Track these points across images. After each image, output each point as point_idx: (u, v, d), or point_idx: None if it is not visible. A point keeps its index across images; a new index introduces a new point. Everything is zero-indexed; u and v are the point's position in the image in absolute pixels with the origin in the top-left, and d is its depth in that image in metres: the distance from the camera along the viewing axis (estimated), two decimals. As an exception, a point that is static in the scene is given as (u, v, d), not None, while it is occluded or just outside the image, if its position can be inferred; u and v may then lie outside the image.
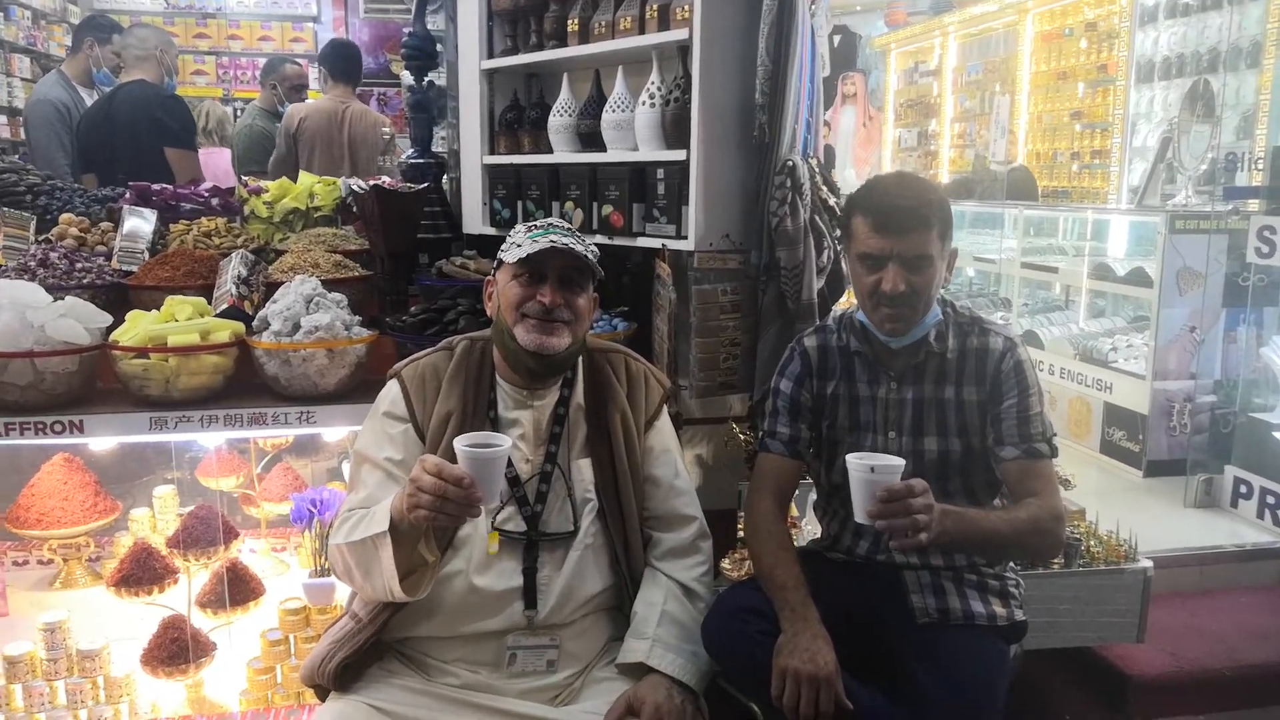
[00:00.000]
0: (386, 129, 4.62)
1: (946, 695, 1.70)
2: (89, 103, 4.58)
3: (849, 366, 1.96)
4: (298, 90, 5.43)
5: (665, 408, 2.00)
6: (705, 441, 2.52)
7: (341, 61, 4.61)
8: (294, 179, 3.13)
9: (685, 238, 2.22)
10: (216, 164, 5.05)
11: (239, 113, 8.04)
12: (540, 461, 1.86)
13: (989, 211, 6.38)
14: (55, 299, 2.18)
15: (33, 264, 2.37)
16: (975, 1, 8.32)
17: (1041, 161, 7.32)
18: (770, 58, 2.15)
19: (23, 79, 8.23)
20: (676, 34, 2.21)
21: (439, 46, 2.96)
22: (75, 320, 2.15)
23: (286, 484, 3.01)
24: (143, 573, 2.48)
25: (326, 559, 2.44)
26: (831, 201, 2.45)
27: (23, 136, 7.93)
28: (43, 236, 2.59)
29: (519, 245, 1.80)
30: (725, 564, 2.28)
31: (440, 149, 3.08)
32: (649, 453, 1.94)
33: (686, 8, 2.18)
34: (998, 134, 6.60)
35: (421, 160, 2.92)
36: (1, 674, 2.31)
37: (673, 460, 1.97)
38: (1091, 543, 2.35)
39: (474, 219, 2.85)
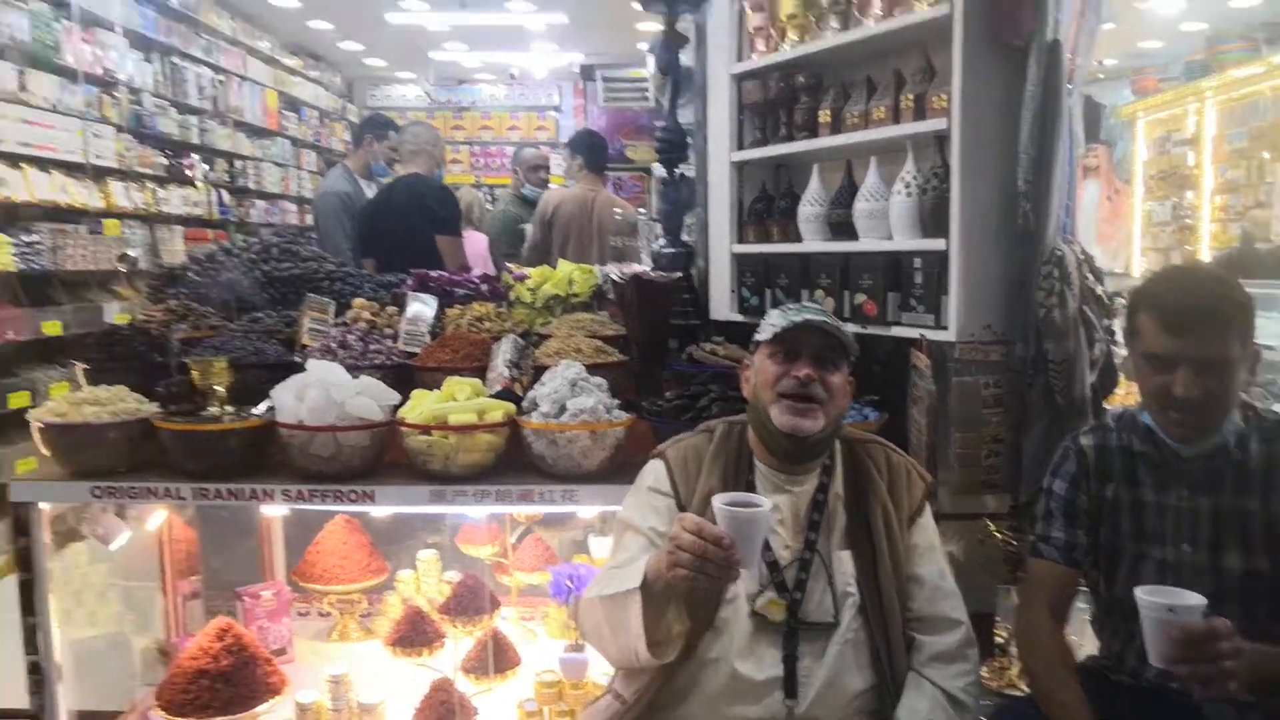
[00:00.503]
0: (619, 211, 4.84)
1: None
2: (368, 193, 5.10)
3: (1132, 469, 1.84)
4: (535, 170, 5.77)
5: (928, 504, 1.95)
6: (957, 538, 2.42)
7: (592, 151, 4.89)
8: (550, 264, 3.33)
9: (945, 328, 2.19)
10: (471, 247, 5.48)
11: (491, 197, 8.72)
12: (800, 548, 1.84)
13: (1266, 292, 5.82)
14: (353, 378, 2.43)
15: (334, 345, 2.65)
16: (1236, 64, 7.74)
17: (1325, 235, 6.63)
18: (1034, 145, 2.10)
19: (309, 171, 9.31)
20: (934, 124, 2.21)
21: (689, 139, 3.09)
22: (370, 398, 2.37)
23: (537, 555, 3.15)
24: (415, 635, 2.67)
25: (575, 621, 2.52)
26: (1099, 290, 2.34)
27: (309, 222, 9.01)
28: (340, 319, 2.89)
29: (774, 325, 1.84)
30: (985, 673, 2.17)
31: (687, 237, 3.19)
32: (912, 550, 1.88)
33: (944, 96, 2.18)
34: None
35: (673, 249, 3.03)
36: (293, 717, 2.52)
37: (937, 559, 1.91)
38: None
39: (722, 305, 2.92)
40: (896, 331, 2.34)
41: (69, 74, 5.46)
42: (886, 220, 2.35)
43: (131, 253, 5.41)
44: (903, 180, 2.30)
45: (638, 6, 3.02)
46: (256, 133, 8.24)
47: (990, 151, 2.16)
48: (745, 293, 2.82)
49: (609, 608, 1.73)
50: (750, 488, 1.89)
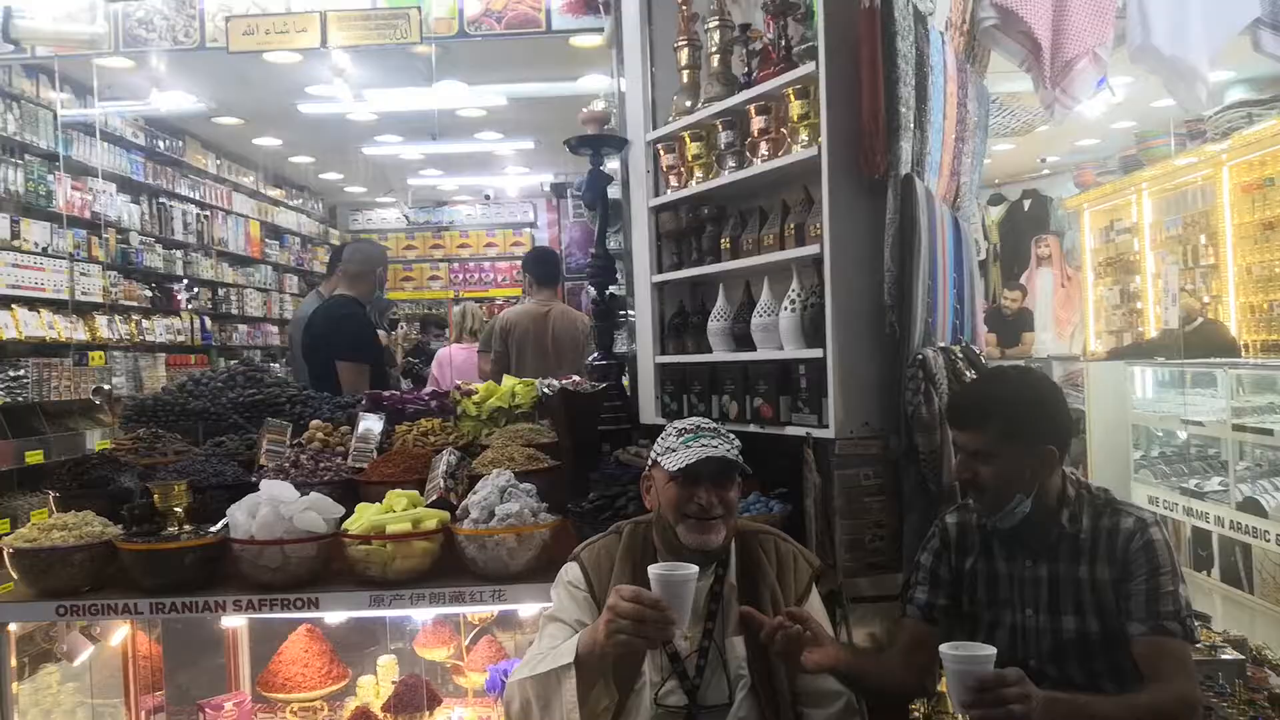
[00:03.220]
0: (585, 324, 5.07)
1: None
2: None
3: (988, 544, 2.07)
4: None
5: (815, 586, 2.16)
6: (877, 619, 2.60)
7: (541, 266, 5.15)
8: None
9: (826, 426, 2.43)
10: (467, 357, 5.65)
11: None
12: (698, 638, 2.04)
13: (1204, 371, 6.10)
14: (302, 494, 2.65)
15: (287, 465, 2.88)
16: (1165, 158, 8.23)
17: (1257, 315, 6.97)
18: (895, 264, 2.39)
19: (291, 294, 9.67)
20: (810, 249, 2.50)
21: (618, 263, 3.39)
22: (317, 513, 2.59)
23: (490, 655, 3.31)
24: (361, 736, 2.82)
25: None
26: (977, 384, 2.58)
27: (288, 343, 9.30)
28: (296, 440, 3.13)
29: (674, 451, 2.05)
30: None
31: (622, 349, 3.46)
32: None
33: (818, 226, 2.48)
34: (1168, 301, 6.41)
35: (604, 361, 3.30)
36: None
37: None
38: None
39: (648, 411, 3.18)
40: (789, 431, 2.58)
41: (59, 219, 5.84)
42: (778, 333, 2.62)
43: (105, 386, 5.68)
44: (789, 298, 2.58)
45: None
46: (240, 261, 8.63)
47: (860, 271, 2.45)
48: (666, 399, 3.08)
49: (539, 686, 1.90)
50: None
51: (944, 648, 1.70)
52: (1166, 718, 1.78)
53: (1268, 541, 4.94)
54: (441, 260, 11.20)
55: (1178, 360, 6.27)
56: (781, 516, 2.59)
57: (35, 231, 5.58)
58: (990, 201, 11.42)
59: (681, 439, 2.08)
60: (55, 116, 5.87)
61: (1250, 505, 5.13)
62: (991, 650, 1.68)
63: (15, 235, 5.41)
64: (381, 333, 7.04)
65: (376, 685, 3.36)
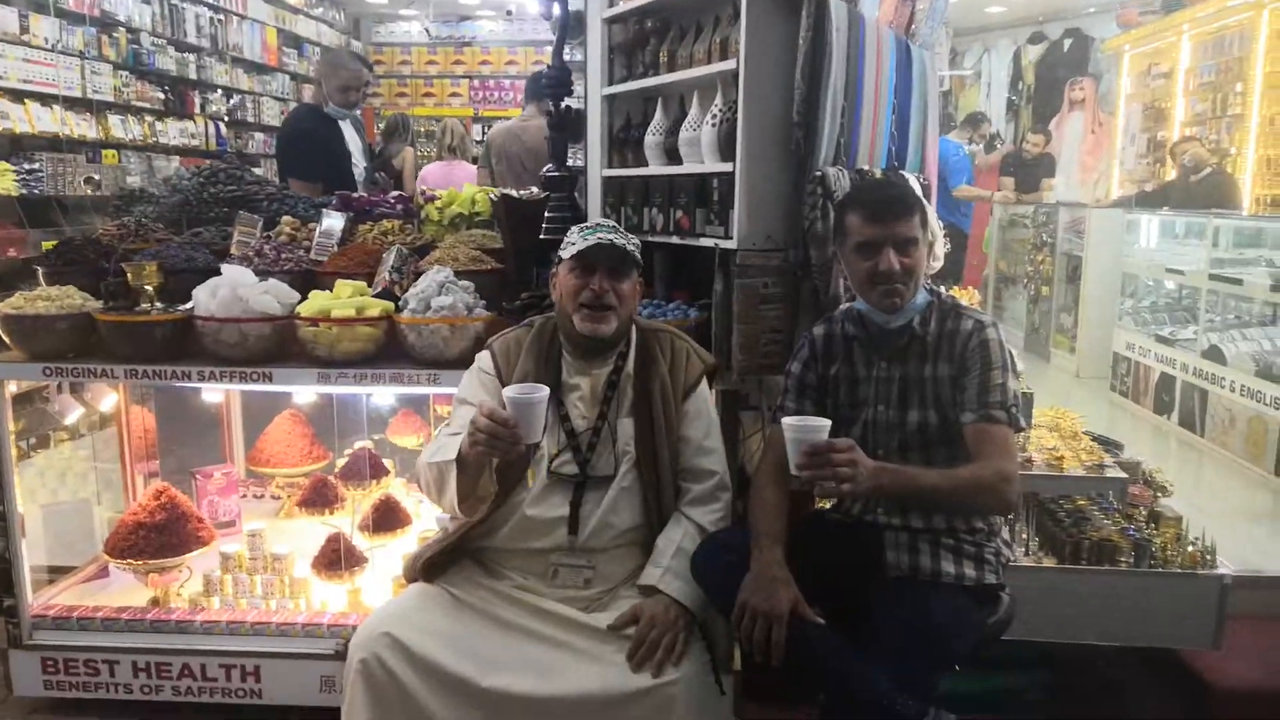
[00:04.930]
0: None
1: (898, 639, 1.95)
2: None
3: (849, 351, 2.26)
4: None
5: (705, 380, 2.39)
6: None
7: (530, 83, 5.24)
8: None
9: (730, 238, 2.59)
10: (461, 176, 5.81)
11: (486, 128, 9.09)
12: (594, 418, 2.31)
13: (1198, 222, 6.09)
14: (261, 280, 2.89)
15: (251, 254, 3.12)
16: (1208, -1, 7.86)
17: (1273, 169, 6.84)
18: (805, 81, 2.48)
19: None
20: (728, 64, 2.59)
21: (573, 76, 3.47)
22: (272, 297, 2.84)
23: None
24: (318, 498, 3.19)
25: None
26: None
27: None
28: (267, 234, 3.35)
29: (573, 244, 2.27)
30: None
31: (576, 162, 3.59)
32: (684, 416, 2.33)
33: (739, 40, 2.56)
34: (1126, 141, 6.30)
35: (557, 173, 3.44)
36: (218, 565, 3.05)
37: (704, 424, 2.35)
38: (1169, 550, 2.57)
39: (595, 222, 3.34)
40: (702, 242, 2.74)
41: (69, 16, 5.93)
42: (700, 147, 2.74)
43: (95, 176, 5.91)
44: (712, 112, 2.69)
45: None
46: (256, 69, 8.67)
47: (774, 87, 2.54)
48: (608, 210, 3.24)
49: (435, 472, 2.21)
50: (559, 370, 2.34)
51: (785, 419, 1.92)
52: (983, 487, 2.00)
53: (1223, 388, 5.09)
54: (463, 77, 11.15)
55: (1173, 210, 6.25)
56: (697, 321, 2.80)
57: (44, 27, 5.69)
58: (1030, 40, 10.99)
59: (581, 233, 2.28)
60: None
61: (1213, 353, 5.25)
62: (826, 422, 1.90)
63: (24, 30, 5.53)
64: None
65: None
